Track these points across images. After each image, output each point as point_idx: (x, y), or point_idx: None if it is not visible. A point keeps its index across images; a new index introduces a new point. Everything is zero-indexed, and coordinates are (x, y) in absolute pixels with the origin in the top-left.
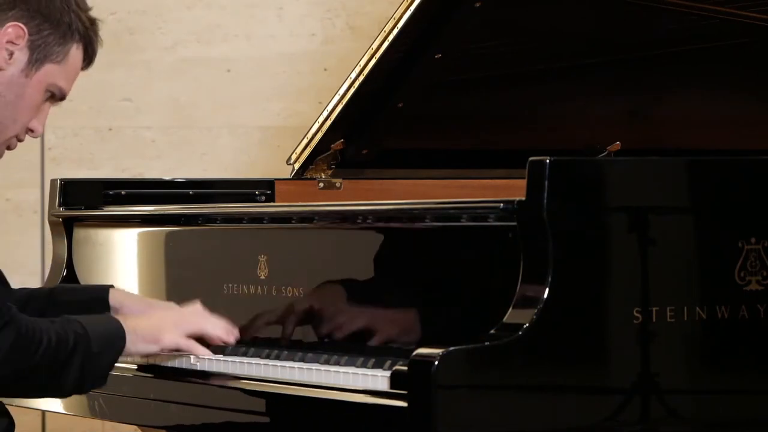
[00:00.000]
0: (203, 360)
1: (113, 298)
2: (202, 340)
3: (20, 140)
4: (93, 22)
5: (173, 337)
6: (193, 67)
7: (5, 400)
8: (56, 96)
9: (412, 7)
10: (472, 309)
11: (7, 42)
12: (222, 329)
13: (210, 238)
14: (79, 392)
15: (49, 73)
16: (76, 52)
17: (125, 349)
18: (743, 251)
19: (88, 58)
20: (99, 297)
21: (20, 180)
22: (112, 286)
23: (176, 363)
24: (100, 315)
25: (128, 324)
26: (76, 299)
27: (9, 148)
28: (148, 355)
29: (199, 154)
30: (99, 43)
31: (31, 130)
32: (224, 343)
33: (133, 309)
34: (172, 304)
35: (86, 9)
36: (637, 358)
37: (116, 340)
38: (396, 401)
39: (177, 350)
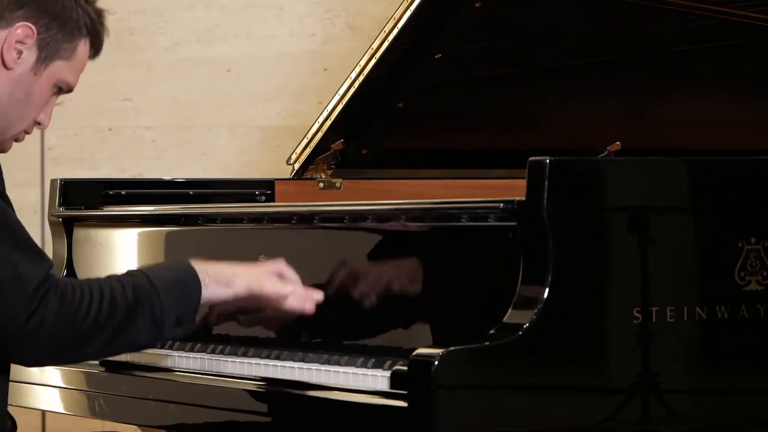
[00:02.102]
0: (203, 360)
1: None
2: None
3: (28, 133)
4: (99, 14)
5: (246, 281)
6: (193, 67)
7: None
8: (63, 90)
9: (412, 7)
10: (472, 309)
11: (17, 42)
12: (298, 299)
13: (210, 238)
14: (162, 340)
15: (58, 69)
16: (83, 47)
17: (201, 294)
18: (743, 251)
19: (95, 49)
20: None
21: (20, 180)
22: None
23: (173, 362)
24: (169, 262)
25: (201, 268)
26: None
27: (17, 140)
28: (223, 303)
29: (199, 154)
30: (106, 34)
31: (39, 123)
32: (304, 311)
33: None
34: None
35: (91, 1)
36: (637, 358)
37: (189, 281)
38: (396, 401)
39: (251, 297)
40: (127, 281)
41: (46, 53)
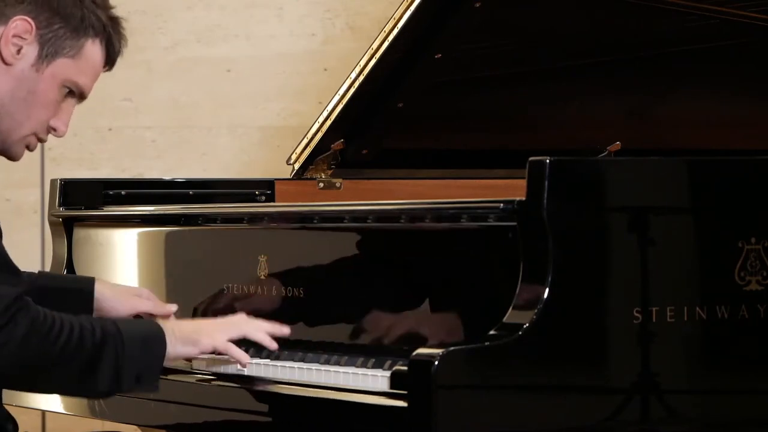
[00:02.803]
0: (203, 360)
1: (97, 290)
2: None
3: (41, 140)
4: (114, 21)
5: (211, 340)
6: (193, 67)
7: (7, 400)
8: (75, 93)
9: (412, 7)
10: (472, 309)
11: (14, 36)
12: (262, 333)
13: (210, 238)
14: (119, 391)
15: (62, 68)
16: (92, 48)
17: (167, 353)
18: (743, 251)
19: (110, 58)
20: (84, 288)
21: (20, 180)
22: (94, 278)
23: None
24: (138, 321)
25: (167, 326)
26: (59, 286)
27: (29, 148)
28: (188, 359)
29: (199, 154)
30: (123, 43)
31: (54, 129)
32: (268, 347)
33: (114, 300)
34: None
35: (105, 7)
36: (637, 358)
37: (155, 340)
38: (396, 401)
39: (216, 353)
40: (96, 323)
41: (49, 49)
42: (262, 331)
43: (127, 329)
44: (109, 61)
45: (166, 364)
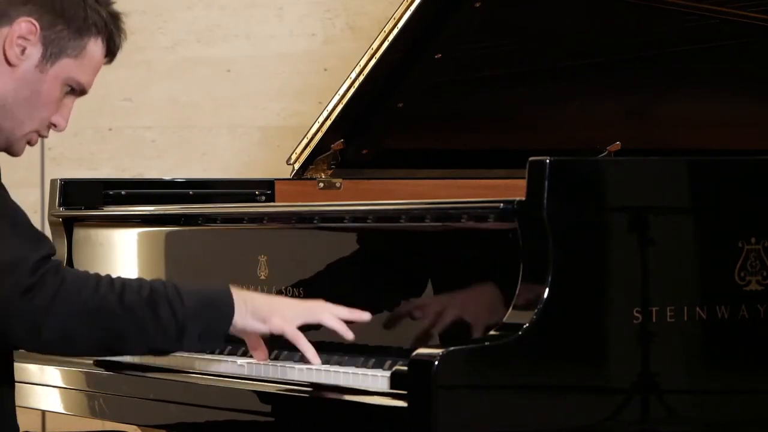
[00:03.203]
0: (203, 360)
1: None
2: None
3: (43, 136)
4: (115, 16)
5: (282, 323)
6: (193, 67)
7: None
8: (76, 90)
9: (412, 7)
10: (472, 309)
11: (19, 37)
12: (338, 322)
13: (210, 238)
14: (181, 349)
15: (66, 67)
16: (94, 46)
17: (234, 321)
18: (743, 251)
19: (110, 53)
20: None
21: (20, 180)
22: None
23: (175, 363)
24: (210, 283)
25: (239, 295)
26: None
27: (30, 143)
28: (259, 334)
29: (199, 154)
30: (123, 38)
31: (54, 125)
32: (343, 336)
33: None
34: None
35: (106, 3)
36: (637, 358)
37: (220, 302)
38: (396, 401)
39: (284, 336)
40: (146, 282)
41: (52, 50)
42: (339, 319)
43: (187, 289)
44: (110, 56)
45: (234, 333)
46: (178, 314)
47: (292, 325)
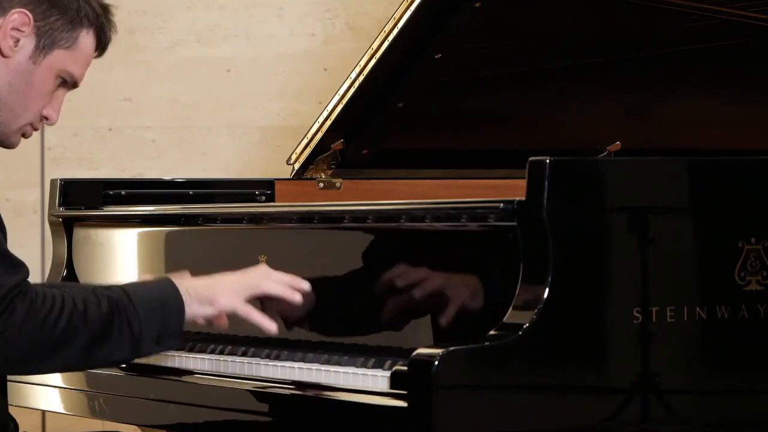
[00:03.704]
0: (204, 360)
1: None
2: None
3: (35, 128)
4: (105, 9)
5: (230, 300)
6: (193, 67)
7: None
8: (68, 83)
9: (412, 7)
10: (472, 309)
11: (12, 29)
12: (282, 287)
13: (210, 238)
14: (140, 356)
15: (58, 59)
16: (86, 38)
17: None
18: (743, 251)
19: (101, 45)
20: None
21: (20, 180)
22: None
23: (174, 362)
24: (150, 280)
25: (182, 285)
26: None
27: (24, 136)
28: (208, 320)
29: (199, 154)
30: (113, 30)
31: (46, 118)
32: (289, 300)
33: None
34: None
35: None
36: (637, 358)
37: (169, 299)
38: (396, 401)
39: (236, 314)
40: (102, 294)
41: (45, 41)
42: (282, 285)
43: (138, 294)
44: (101, 49)
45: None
46: (133, 323)
47: (240, 302)
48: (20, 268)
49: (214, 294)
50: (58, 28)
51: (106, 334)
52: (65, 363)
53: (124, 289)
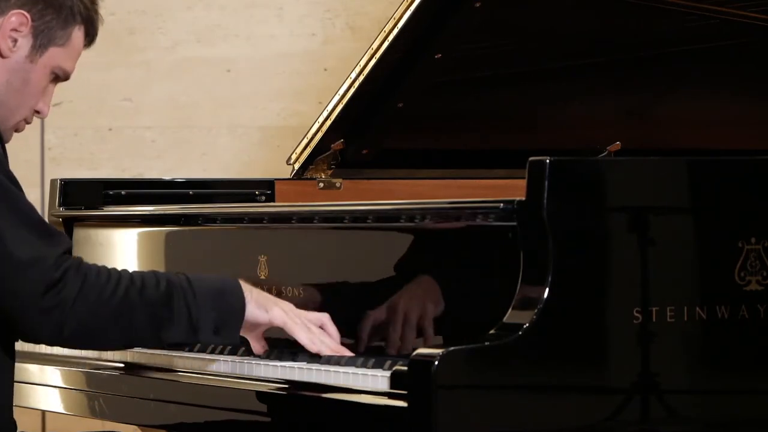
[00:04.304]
0: (204, 360)
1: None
2: None
3: (28, 122)
4: (93, 2)
5: (283, 314)
6: (193, 67)
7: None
8: (60, 77)
9: (412, 7)
10: (472, 309)
11: (11, 30)
12: (311, 341)
13: (210, 238)
14: (198, 342)
15: (53, 56)
16: (78, 34)
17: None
18: (743, 251)
19: (90, 38)
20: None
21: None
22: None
23: (173, 362)
24: (215, 275)
25: (245, 285)
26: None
27: (17, 130)
28: (254, 326)
29: (199, 154)
30: (100, 21)
31: (38, 112)
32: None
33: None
34: None
35: None
36: (637, 358)
37: (230, 293)
38: (396, 401)
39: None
40: (162, 276)
41: (42, 40)
42: (319, 344)
43: (199, 282)
44: (89, 41)
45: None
46: (192, 308)
47: (291, 317)
48: (61, 237)
49: (273, 303)
50: (53, 27)
51: (164, 314)
52: (125, 339)
53: (187, 276)
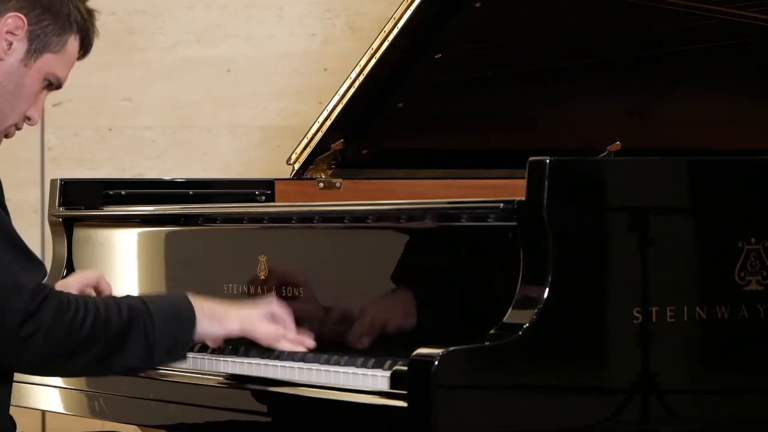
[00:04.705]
0: (204, 360)
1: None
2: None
3: (18, 129)
4: (90, 14)
5: (237, 324)
6: (193, 67)
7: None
8: (53, 84)
9: (412, 7)
10: (472, 309)
11: (7, 32)
12: (290, 344)
13: (210, 238)
14: (151, 366)
15: (48, 62)
16: (73, 43)
17: (196, 330)
18: (743, 251)
19: (85, 49)
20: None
21: (20, 180)
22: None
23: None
24: (166, 294)
25: (195, 302)
26: None
27: (7, 136)
28: (213, 340)
29: (199, 154)
30: (96, 34)
31: (29, 118)
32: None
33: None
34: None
35: (83, 0)
36: (637, 358)
37: (184, 313)
38: (396, 401)
39: (242, 335)
40: (123, 302)
41: (37, 45)
42: (283, 342)
43: (155, 305)
44: (84, 52)
45: (196, 340)
46: (150, 334)
47: (246, 324)
48: (39, 264)
49: (225, 314)
50: (49, 33)
51: (124, 342)
52: (83, 368)
53: (144, 300)
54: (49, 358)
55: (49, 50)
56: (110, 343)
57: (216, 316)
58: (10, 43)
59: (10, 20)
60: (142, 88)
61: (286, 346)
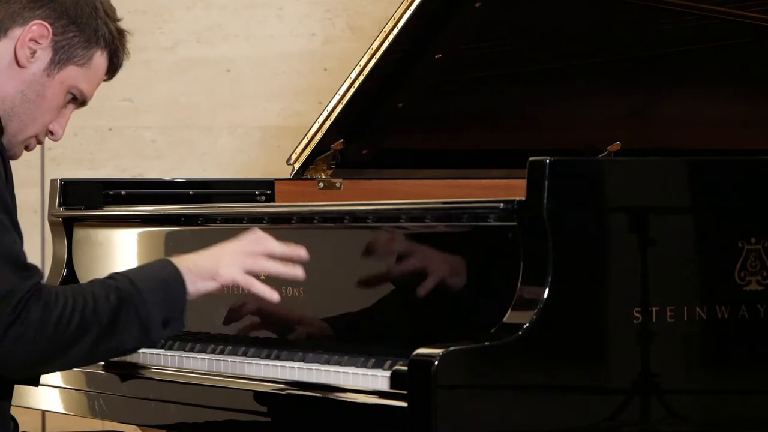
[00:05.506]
0: (203, 360)
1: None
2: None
3: (39, 142)
4: (121, 33)
5: (231, 272)
6: (193, 67)
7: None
8: (78, 99)
9: (412, 7)
10: (472, 309)
11: (30, 40)
12: (281, 267)
13: (210, 238)
14: (151, 344)
15: (71, 75)
16: (100, 59)
17: (188, 292)
18: (743, 251)
19: (113, 68)
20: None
21: (20, 180)
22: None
23: (173, 362)
24: (150, 263)
25: (183, 265)
26: None
27: (27, 148)
28: (210, 294)
29: (199, 154)
30: (126, 55)
31: (51, 133)
32: (291, 277)
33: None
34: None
35: (115, 19)
36: (637, 358)
37: (173, 281)
38: (396, 401)
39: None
40: (109, 285)
41: (61, 56)
42: (280, 262)
43: (143, 280)
44: (111, 72)
45: (190, 300)
46: (141, 312)
47: (240, 273)
48: (33, 271)
49: (217, 267)
50: (74, 45)
51: (115, 326)
52: (76, 359)
53: (129, 277)
54: (40, 356)
55: (74, 62)
56: (102, 331)
57: (207, 272)
58: (34, 51)
59: (35, 27)
60: (142, 88)
61: (280, 269)
